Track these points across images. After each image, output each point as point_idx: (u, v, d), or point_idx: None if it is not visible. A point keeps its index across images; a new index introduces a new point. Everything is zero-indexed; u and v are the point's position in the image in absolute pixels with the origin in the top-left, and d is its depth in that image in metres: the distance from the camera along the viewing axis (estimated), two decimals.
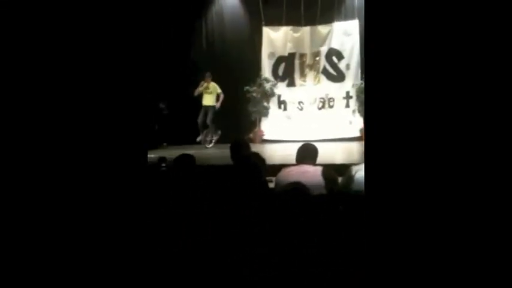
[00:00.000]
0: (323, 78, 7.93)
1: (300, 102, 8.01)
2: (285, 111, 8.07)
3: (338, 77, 7.84)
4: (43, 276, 1.56)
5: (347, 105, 7.77)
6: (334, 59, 7.84)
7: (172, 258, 1.57)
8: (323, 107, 7.93)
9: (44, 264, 1.59)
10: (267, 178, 2.62)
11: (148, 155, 4.25)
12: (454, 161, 1.08)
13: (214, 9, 8.16)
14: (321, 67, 7.91)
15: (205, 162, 5.09)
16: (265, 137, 7.90)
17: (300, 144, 2.95)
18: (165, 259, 1.58)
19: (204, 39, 8.20)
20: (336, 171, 2.80)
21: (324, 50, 7.86)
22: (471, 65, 1.08)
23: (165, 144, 7.49)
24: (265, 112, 7.94)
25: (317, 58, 7.93)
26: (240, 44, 8.00)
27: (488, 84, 1.07)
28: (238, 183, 2.10)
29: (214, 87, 7.19)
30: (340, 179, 2.74)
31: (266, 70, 8.00)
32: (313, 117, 7.86)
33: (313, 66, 7.98)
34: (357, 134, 7.29)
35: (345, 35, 7.67)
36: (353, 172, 2.58)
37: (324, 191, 2.44)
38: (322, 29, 7.81)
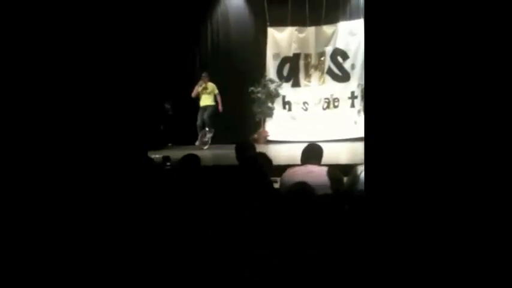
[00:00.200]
0: (328, 78, 7.91)
1: (304, 103, 8.00)
2: (290, 112, 8.06)
3: (343, 77, 7.82)
4: (45, 275, 1.57)
5: (352, 105, 7.75)
6: (339, 59, 7.82)
7: (177, 258, 1.57)
8: (328, 107, 7.91)
9: (46, 263, 1.60)
10: (272, 178, 2.62)
11: (153, 155, 4.28)
12: (454, 161, 1.08)
13: (219, 10, 8.18)
14: (326, 67, 7.90)
15: (210, 163, 5.10)
16: (270, 138, 7.89)
17: (305, 144, 2.95)
18: (168, 258, 1.58)
19: (209, 39, 8.21)
20: (341, 172, 2.80)
21: (329, 50, 7.84)
22: (472, 66, 1.08)
23: (170, 144, 7.52)
24: (269, 113, 7.93)
25: (322, 58, 7.92)
26: (244, 44, 8.01)
27: (489, 85, 1.06)
28: (243, 184, 2.11)
29: (212, 87, 7.12)
30: (345, 179, 2.74)
31: (271, 71, 8.00)
32: (318, 118, 7.84)
33: (318, 67, 7.97)
34: (362, 134, 7.22)
35: (350, 35, 7.65)
36: (358, 172, 2.58)
37: (329, 191, 2.44)
38: (327, 29, 7.79)
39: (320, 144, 2.97)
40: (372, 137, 1.17)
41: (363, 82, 7.50)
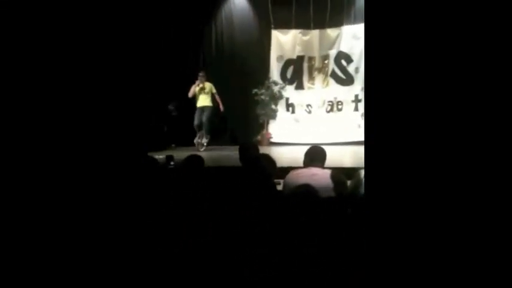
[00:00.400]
0: (332, 81, 7.91)
1: (308, 105, 8.00)
2: (293, 114, 8.06)
3: (347, 80, 7.82)
4: (46, 275, 1.57)
5: (356, 109, 7.74)
6: (343, 62, 7.82)
7: (178, 257, 1.57)
8: (331, 110, 7.91)
9: (48, 263, 1.60)
10: (275, 180, 2.62)
11: (157, 156, 4.29)
12: (455, 163, 1.08)
13: (224, 12, 8.20)
14: (330, 70, 7.90)
15: (214, 164, 5.10)
16: (273, 140, 7.90)
17: (308, 147, 2.95)
18: (170, 257, 1.59)
19: (214, 41, 8.24)
20: (344, 175, 2.80)
21: (333, 53, 7.84)
22: (472, 68, 1.08)
23: (173, 145, 7.53)
24: (273, 115, 7.94)
25: (326, 61, 7.92)
26: (248, 46, 8.03)
27: (489, 89, 1.07)
28: (246, 184, 2.11)
29: (210, 87, 6.92)
30: (348, 183, 2.73)
31: (274, 73, 8.01)
32: (321, 121, 7.84)
33: (322, 70, 7.97)
34: None
35: (354, 39, 7.65)
36: (361, 176, 2.58)
37: (332, 194, 2.44)
38: (332, 32, 7.80)
39: (323, 147, 2.97)
40: (371, 140, 1.17)
41: None
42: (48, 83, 2.58)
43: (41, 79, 2.54)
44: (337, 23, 7.72)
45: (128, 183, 2.29)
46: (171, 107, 7.55)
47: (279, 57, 8.03)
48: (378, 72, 1.16)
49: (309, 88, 8.05)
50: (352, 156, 6.05)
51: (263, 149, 5.93)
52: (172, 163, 4.02)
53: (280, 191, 2.64)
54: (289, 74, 8.04)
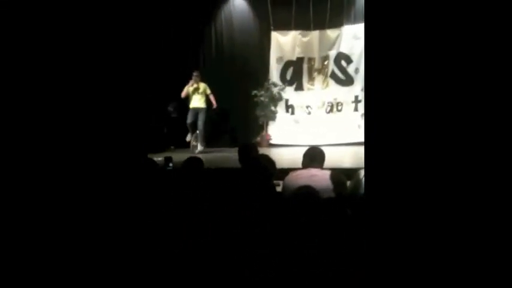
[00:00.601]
0: (331, 82, 7.90)
1: (308, 107, 8.00)
2: (293, 115, 8.05)
3: (347, 81, 7.82)
4: (47, 275, 1.57)
5: (355, 109, 7.74)
6: (343, 63, 7.82)
7: (178, 257, 1.57)
8: (331, 111, 7.91)
9: (49, 263, 1.60)
10: (275, 182, 2.62)
11: (156, 157, 4.28)
12: (455, 164, 1.08)
13: (223, 13, 8.20)
14: (330, 71, 7.89)
15: (213, 165, 5.10)
16: (273, 141, 7.89)
17: (307, 148, 2.94)
18: (169, 258, 1.58)
19: (213, 42, 8.24)
20: (344, 176, 2.79)
21: (332, 54, 7.84)
22: (472, 69, 1.08)
23: (172, 147, 7.53)
24: (272, 116, 7.93)
25: (325, 62, 7.92)
26: (248, 48, 8.03)
27: (489, 90, 1.07)
28: (246, 185, 2.10)
29: (204, 87, 6.76)
30: (348, 183, 2.73)
31: (274, 74, 8.01)
32: (321, 122, 7.83)
33: (322, 70, 7.97)
34: None
35: (354, 39, 7.64)
36: (360, 176, 2.57)
37: (332, 195, 2.43)
38: (331, 33, 7.79)
39: (323, 148, 2.96)
40: (372, 140, 1.17)
41: None
42: (47, 83, 2.58)
43: (40, 79, 2.53)
44: (336, 23, 7.71)
45: (127, 185, 2.29)
46: (170, 108, 7.54)
47: (279, 59, 8.02)
48: (378, 73, 1.15)
49: (309, 89, 8.04)
50: (352, 157, 6.05)
51: (262, 151, 5.91)
52: (170, 165, 4.01)
53: (279, 192, 2.63)
54: (288, 75, 8.03)
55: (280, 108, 8.00)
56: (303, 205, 1.54)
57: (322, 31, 7.79)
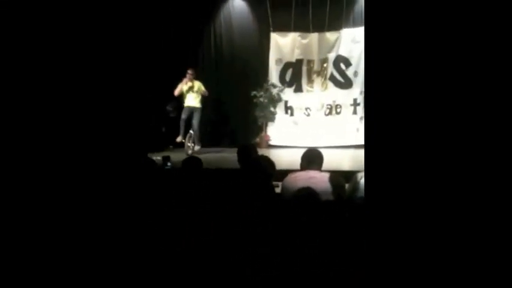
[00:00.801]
0: (330, 84, 7.92)
1: (307, 108, 8.01)
2: (292, 117, 8.07)
3: (345, 83, 7.83)
4: (47, 275, 1.57)
5: (354, 112, 7.75)
6: (342, 65, 7.84)
7: (179, 257, 1.57)
8: (330, 113, 7.92)
9: (49, 263, 1.60)
10: (273, 183, 2.62)
11: (154, 157, 4.29)
12: (454, 166, 1.09)
13: (223, 14, 8.21)
14: (329, 74, 7.91)
15: (212, 166, 5.10)
16: (272, 142, 7.89)
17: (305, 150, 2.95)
18: (170, 257, 1.58)
19: (213, 43, 8.24)
20: (343, 178, 2.80)
21: (331, 56, 7.85)
22: (472, 70, 1.09)
23: (171, 146, 7.52)
24: (271, 117, 7.94)
25: (325, 65, 7.94)
26: (247, 49, 8.03)
27: (489, 93, 1.07)
28: (245, 185, 2.11)
29: (199, 85, 6.57)
30: (346, 186, 2.73)
31: (273, 76, 8.02)
32: (320, 124, 7.84)
33: (321, 73, 7.98)
34: None
35: (353, 42, 7.66)
36: (358, 178, 2.58)
37: (330, 197, 2.44)
38: (331, 35, 7.81)
39: (321, 150, 2.97)
40: (371, 143, 1.18)
41: None
42: (47, 83, 2.58)
43: (40, 79, 2.53)
44: (336, 26, 7.73)
45: (126, 184, 2.29)
46: (169, 107, 7.53)
47: (278, 60, 8.03)
48: (378, 76, 1.16)
49: (308, 91, 8.06)
50: (350, 160, 6.07)
51: (262, 152, 5.90)
52: (169, 164, 4.01)
53: (278, 193, 2.63)
54: (288, 77, 8.05)
55: (280, 110, 8.01)
56: (304, 206, 1.55)
57: (322, 33, 7.81)
